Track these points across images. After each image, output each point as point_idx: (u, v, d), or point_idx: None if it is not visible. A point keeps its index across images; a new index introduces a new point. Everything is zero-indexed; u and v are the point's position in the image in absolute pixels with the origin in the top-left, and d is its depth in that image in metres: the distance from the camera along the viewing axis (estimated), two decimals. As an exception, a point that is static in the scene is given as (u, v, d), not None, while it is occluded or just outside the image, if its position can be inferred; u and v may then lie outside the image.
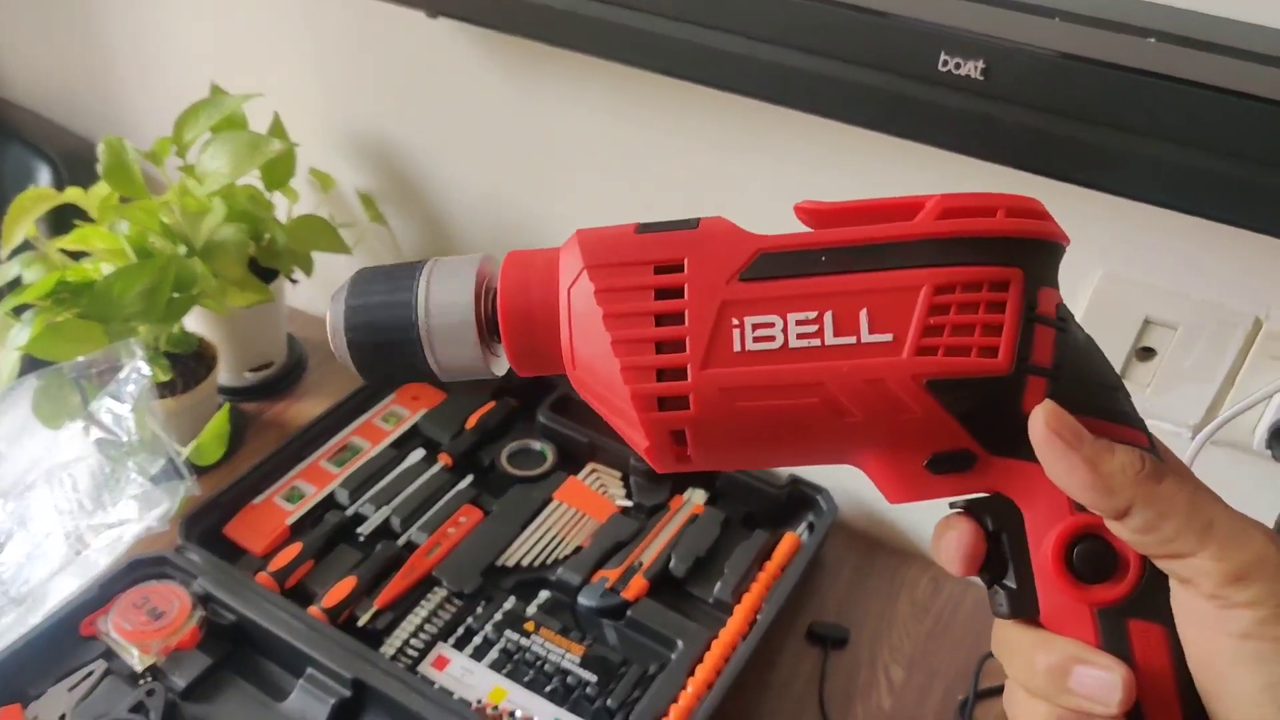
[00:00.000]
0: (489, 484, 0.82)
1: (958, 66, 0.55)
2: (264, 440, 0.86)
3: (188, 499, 0.73)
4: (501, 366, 0.32)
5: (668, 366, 0.28)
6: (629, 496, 0.81)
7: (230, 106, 0.83)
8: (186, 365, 0.82)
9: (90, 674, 0.65)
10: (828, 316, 0.28)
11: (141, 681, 0.65)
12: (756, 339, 0.28)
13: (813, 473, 0.81)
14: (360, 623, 0.70)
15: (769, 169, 0.72)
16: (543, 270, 0.30)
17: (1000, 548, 0.30)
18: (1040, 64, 0.52)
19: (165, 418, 0.76)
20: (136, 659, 0.64)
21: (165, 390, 0.79)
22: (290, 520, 0.76)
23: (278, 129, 0.86)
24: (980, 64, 0.54)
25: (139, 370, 0.73)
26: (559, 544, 0.77)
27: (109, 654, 0.66)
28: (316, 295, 1.01)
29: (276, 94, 0.87)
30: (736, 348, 0.28)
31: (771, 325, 0.28)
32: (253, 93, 0.83)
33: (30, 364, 0.73)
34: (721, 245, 0.29)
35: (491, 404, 0.87)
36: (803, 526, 0.80)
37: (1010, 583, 0.29)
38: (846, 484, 0.82)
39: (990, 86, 0.54)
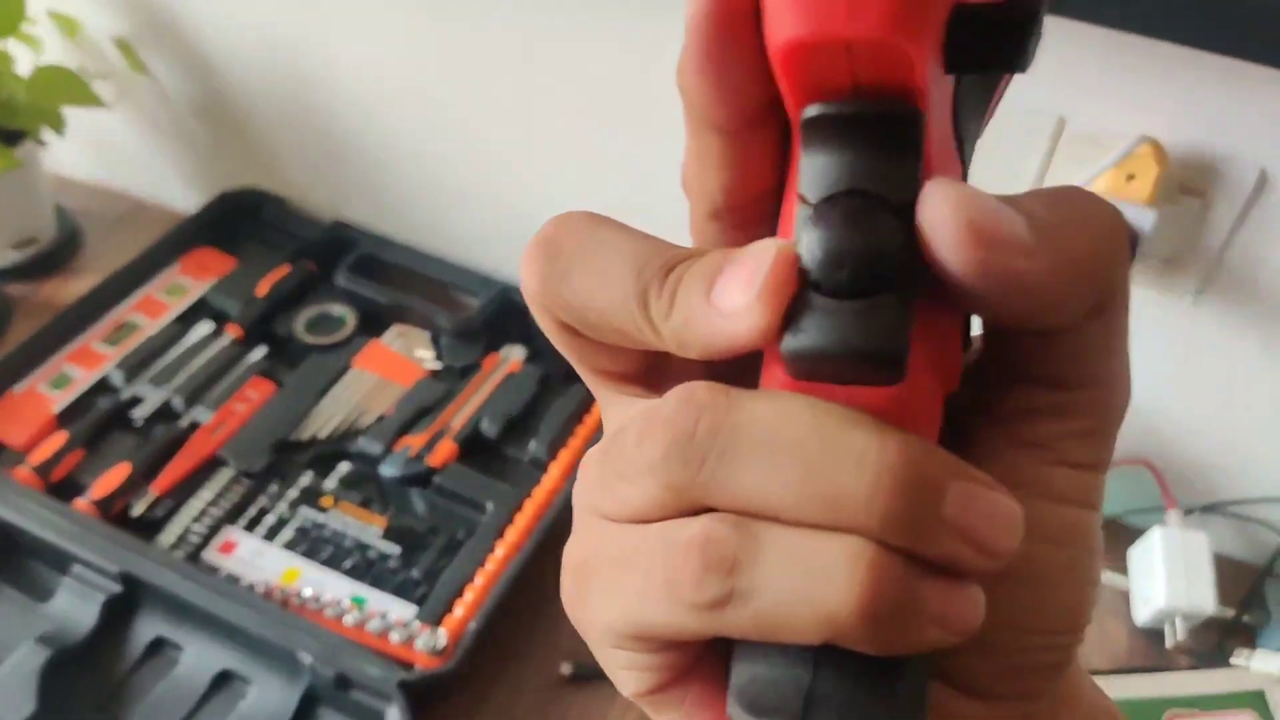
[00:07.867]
0: (285, 355, 0.76)
1: None
2: (33, 325, 0.77)
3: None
4: None
5: None
6: (439, 358, 0.75)
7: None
8: (-78, 246, 0.72)
9: None
10: None
11: (-118, 595, 0.59)
12: None
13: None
14: (136, 513, 0.64)
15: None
16: None
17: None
18: None
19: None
20: None
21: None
22: (57, 408, 0.69)
23: (-4, -39, 0.74)
24: None
25: None
26: (359, 414, 0.71)
27: None
28: (84, 159, 0.90)
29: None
30: None
31: None
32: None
33: None
34: None
35: (286, 268, 0.79)
36: (626, 377, 0.76)
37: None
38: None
39: None
